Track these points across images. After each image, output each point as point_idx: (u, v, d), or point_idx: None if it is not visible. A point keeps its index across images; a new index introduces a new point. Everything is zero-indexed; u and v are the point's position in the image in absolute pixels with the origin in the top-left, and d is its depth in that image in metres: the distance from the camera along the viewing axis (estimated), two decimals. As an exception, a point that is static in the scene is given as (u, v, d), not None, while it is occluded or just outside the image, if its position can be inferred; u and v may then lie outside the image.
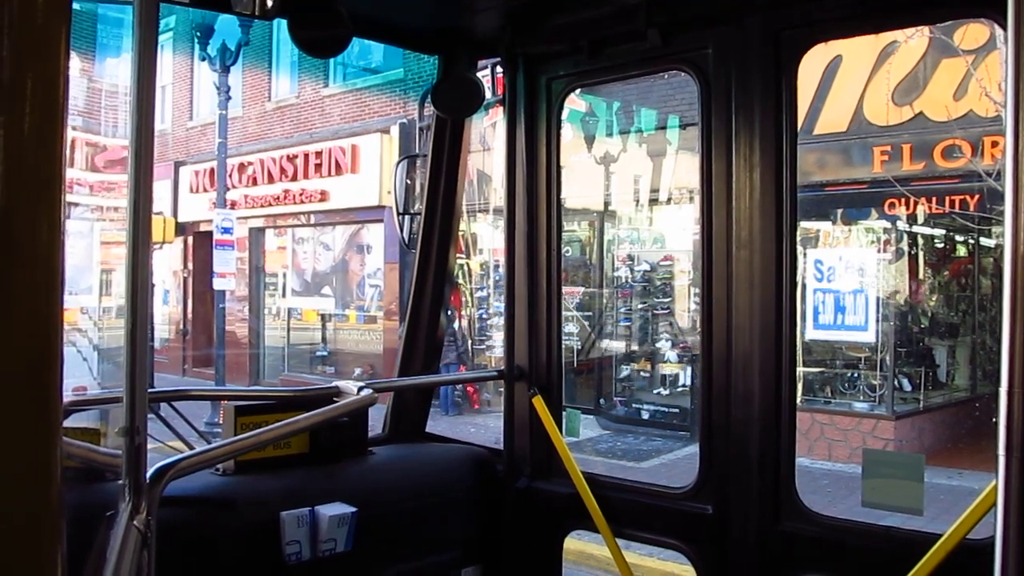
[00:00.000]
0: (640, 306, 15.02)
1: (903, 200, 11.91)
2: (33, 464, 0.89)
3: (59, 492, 0.90)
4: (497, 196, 15.27)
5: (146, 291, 1.62)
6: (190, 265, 22.73)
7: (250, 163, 20.57)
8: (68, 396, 2.82)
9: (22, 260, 0.87)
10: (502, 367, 3.66)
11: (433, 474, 3.41)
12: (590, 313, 15.95)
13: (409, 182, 3.90)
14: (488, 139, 15.11)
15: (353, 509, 2.89)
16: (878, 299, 11.89)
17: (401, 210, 3.86)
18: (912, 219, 12.71)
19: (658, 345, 14.89)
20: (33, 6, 0.86)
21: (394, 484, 3.24)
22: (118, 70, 18.41)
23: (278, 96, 21.09)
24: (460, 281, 16.36)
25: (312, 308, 20.59)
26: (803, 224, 12.17)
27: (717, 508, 3.00)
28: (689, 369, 14.19)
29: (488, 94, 3.78)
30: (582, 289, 16.06)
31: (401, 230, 3.87)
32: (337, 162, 18.60)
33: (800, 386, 12.15)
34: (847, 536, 2.76)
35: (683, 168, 14.12)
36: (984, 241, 13.78)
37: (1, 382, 0.86)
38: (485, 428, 13.54)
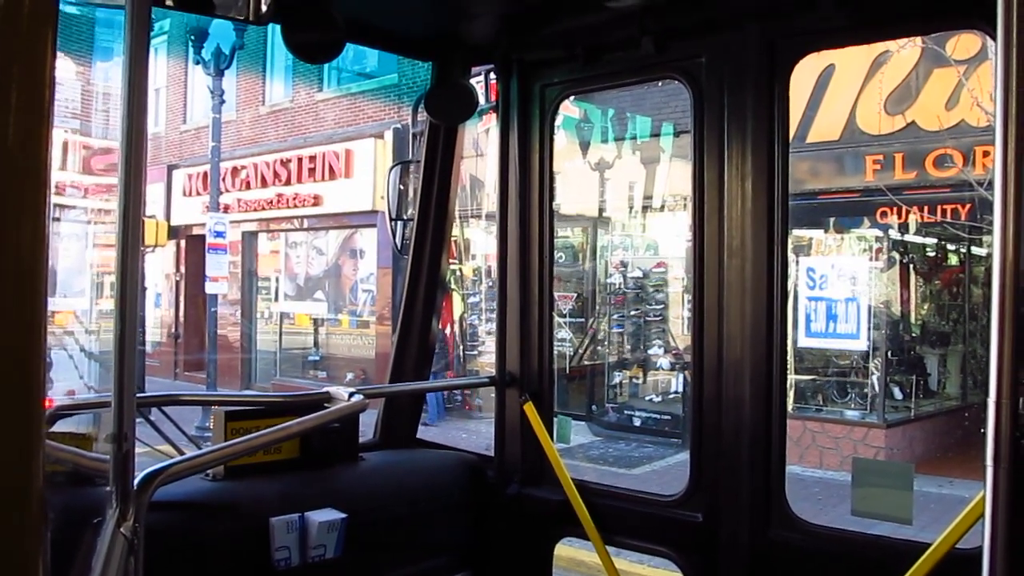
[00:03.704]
0: (633, 313, 15.04)
1: (895, 209, 11.96)
2: (15, 470, 0.88)
3: (41, 499, 0.89)
4: (490, 202, 15.28)
5: (136, 295, 1.61)
6: (182, 268, 22.67)
7: (244, 167, 20.54)
8: (58, 400, 2.81)
9: (5, 263, 0.86)
10: (493, 373, 3.66)
11: (424, 480, 3.41)
12: (582, 319, 15.96)
13: (402, 187, 3.90)
14: (481, 145, 15.13)
15: (343, 515, 2.88)
16: (870, 307, 11.92)
17: (394, 215, 3.85)
18: (904, 228, 12.76)
19: (650, 352, 14.90)
20: (19, 9, 0.86)
21: (385, 490, 3.23)
22: (113, 73, 18.38)
23: (272, 100, 21.07)
24: (453, 286, 16.35)
25: (305, 312, 20.57)
26: (795, 232, 12.21)
27: (707, 516, 3.00)
28: (681, 376, 14.21)
29: (482, 100, 3.78)
30: (575, 295, 16.06)
31: (394, 235, 3.87)
32: (331, 166, 18.59)
33: (792, 394, 12.17)
34: (837, 544, 2.76)
35: (676, 175, 14.15)
36: (975, 250, 13.84)
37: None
38: (477, 434, 13.52)
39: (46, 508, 0.90)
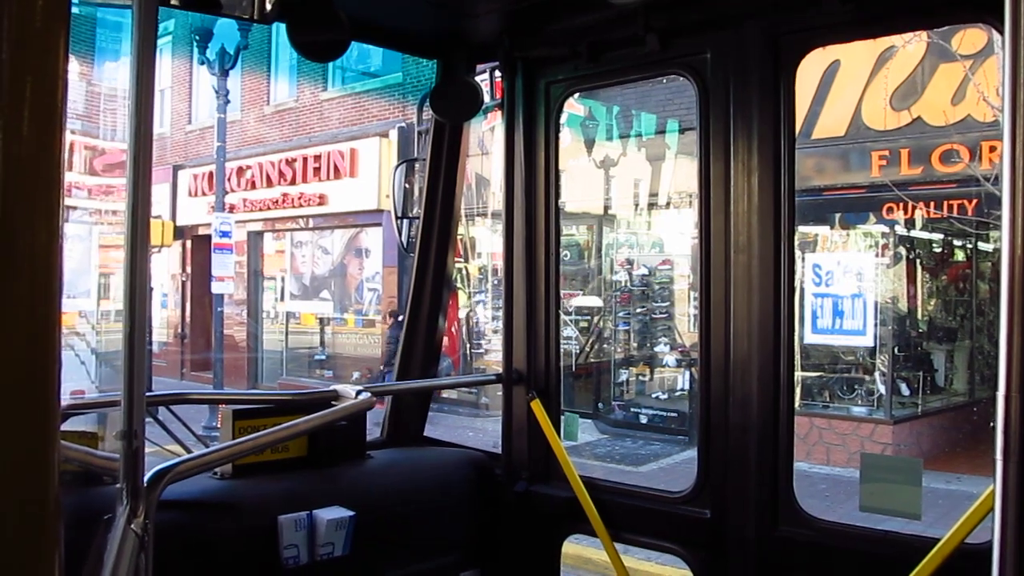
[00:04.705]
0: (638, 310, 15.03)
1: (901, 205, 11.93)
2: (31, 467, 0.88)
3: (56, 495, 0.90)
4: (495, 200, 15.28)
5: (144, 295, 1.62)
6: (188, 269, 22.73)
7: (249, 167, 20.57)
8: (66, 399, 2.82)
9: (20, 264, 0.86)
10: (500, 371, 3.66)
11: (431, 478, 3.41)
12: (588, 317, 15.95)
13: (408, 186, 3.90)
14: (487, 143, 15.12)
15: (351, 513, 2.89)
16: (876, 303, 11.90)
17: (399, 214, 3.86)
18: (910, 224, 12.73)
19: (656, 349, 14.89)
20: (32, 9, 0.86)
21: (392, 488, 3.24)
22: (117, 74, 18.43)
23: (277, 100, 21.10)
24: (459, 285, 16.35)
25: (311, 312, 20.60)
26: (801, 228, 12.19)
27: (715, 512, 3.00)
28: (687, 373, 14.20)
29: (487, 98, 3.77)
30: (581, 293, 16.06)
31: (400, 234, 3.87)
32: (336, 166, 18.61)
33: (798, 390, 12.15)
34: (845, 540, 2.76)
35: (682, 172, 14.13)
36: (982, 246, 13.80)
37: (-1, 385, 0.86)
38: (484, 432, 13.53)
39: (61, 506, 0.90)
